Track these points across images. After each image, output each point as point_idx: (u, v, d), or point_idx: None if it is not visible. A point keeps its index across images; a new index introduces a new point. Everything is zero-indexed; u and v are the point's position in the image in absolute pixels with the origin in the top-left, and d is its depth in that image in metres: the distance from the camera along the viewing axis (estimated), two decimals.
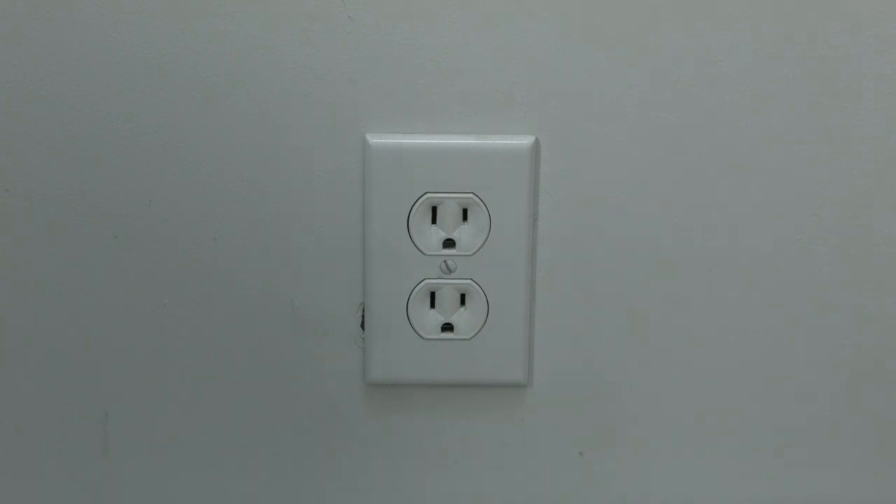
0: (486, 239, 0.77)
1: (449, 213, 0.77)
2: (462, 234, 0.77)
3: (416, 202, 0.76)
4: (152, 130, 0.76)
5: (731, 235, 0.78)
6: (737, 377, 0.81)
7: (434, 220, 0.77)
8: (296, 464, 0.82)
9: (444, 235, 0.77)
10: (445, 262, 0.78)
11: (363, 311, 0.79)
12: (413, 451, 0.82)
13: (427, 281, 0.78)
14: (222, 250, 0.78)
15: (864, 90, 0.75)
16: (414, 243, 0.77)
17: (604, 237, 0.78)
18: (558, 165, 0.77)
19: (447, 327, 0.79)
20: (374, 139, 0.76)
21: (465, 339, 0.79)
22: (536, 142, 0.76)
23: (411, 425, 0.82)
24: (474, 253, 0.77)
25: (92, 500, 0.83)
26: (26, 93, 0.75)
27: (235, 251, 0.78)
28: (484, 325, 0.78)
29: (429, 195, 0.76)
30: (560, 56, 0.75)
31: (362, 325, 0.79)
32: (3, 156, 0.76)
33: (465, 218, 0.77)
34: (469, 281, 0.78)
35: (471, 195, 0.77)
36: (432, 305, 0.78)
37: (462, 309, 0.79)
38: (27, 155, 0.76)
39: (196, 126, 0.76)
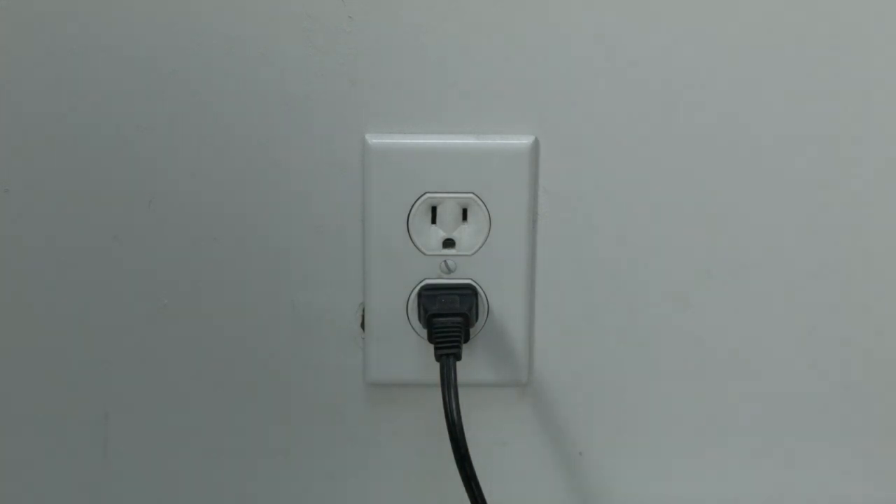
0: (486, 239, 0.77)
1: (449, 212, 0.77)
2: (462, 234, 0.77)
3: (415, 202, 0.76)
4: (152, 130, 0.76)
5: (731, 235, 0.78)
6: (737, 377, 0.81)
7: (434, 220, 0.77)
8: (296, 463, 0.82)
9: (443, 235, 0.77)
10: (445, 262, 0.78)
11: (363, 311, 0.79)
12: (413, 451, 0.82)
13: (427, 281, 0.78)
14: (222, 250, 0.78)
15: (864, 90, 0.75)
16: (414, 243, 0.77)
17: (604, 237, 0.78)
18: (558, 165, 0.77)
19: None
20: (374, 139, 0.76)
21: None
22: (536, 142, 0.76)
23: (411, 425, 0.82)
24: (474, 253, 0.77)
25: (92, 500, 0.83)
26: (26, 93, 0.75)
27: (235, 251, 0.78)
28: (484, 324, 0.78)
29: (428, 195, 0.76)
30: (560, 56, 0.75)
31: (362, 325, 0.79)
32: (3, 156, 0.76)
33: (464, 218, 0.77)
34: (469, 281, 0.78)
35: (471, 195, 0.77)
36: None
37: None
38: (27, 155, 0.76)
39: (196, 126, 0.76)
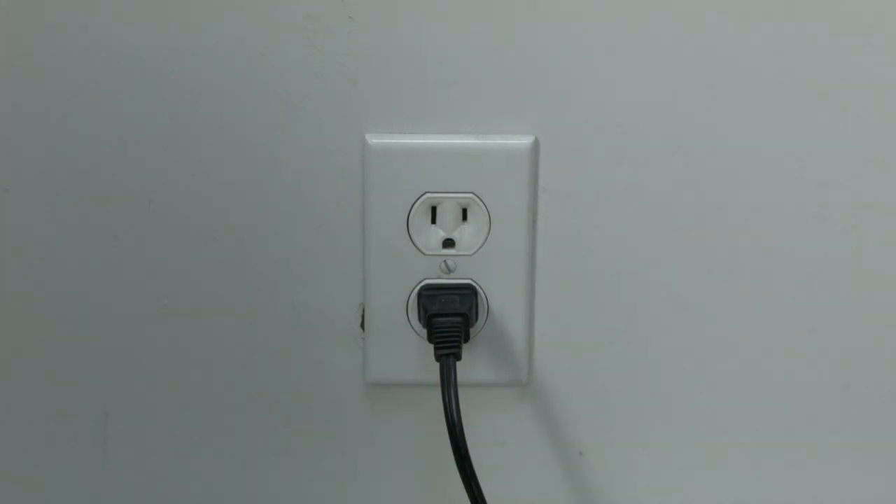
0: (486, 239, 0.77)
1: (449, 212, 0.77)
2: (462, 234, 0.77)
3: (415, 202, 0.77)
4: (152, 130, 0.76)
5: (731, 235, 0.78)
6: (737, 377, 0.81)
7: (434, 220, 0.77)
8: (296, 464, 0.82)
9: (443, 235, 0.77)
10: (445, 262, 0.78)
11: (363, 311, 0.79)
12: (413, 451, 0.82)
13: (427, 281, 0.78)
14: (222, 250, 0.78)
15: (864, 89, 0.75)
16: (414, 243, 0.77)
17: (604, 237, 0.78)
18: (558, 165, 0.77)
19: None
20: (374, 139, 0.76)
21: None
22: (536, 142, 0.76)
23: (411, 425, 0.82)
24: (474, 253, 0.77)
25: (92, 500, 0.83)
26: (26, 93, 0.75)
27: (235, 251, 0.78)
28: (484, 324, 0.78)
29: (428, 195, 0.76)
30: (560, 56, 0.75)
31: (362, 325, 0.79)
32: (3, 156, 0.76)
33: (465, 218, 0.77)
34: (469, 281, 0.78)
35: (471, 195, 0.77)
36: None
37: None
38: (27, 155, 0.76)
39: (196, 126, 0.76)
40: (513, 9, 0.74)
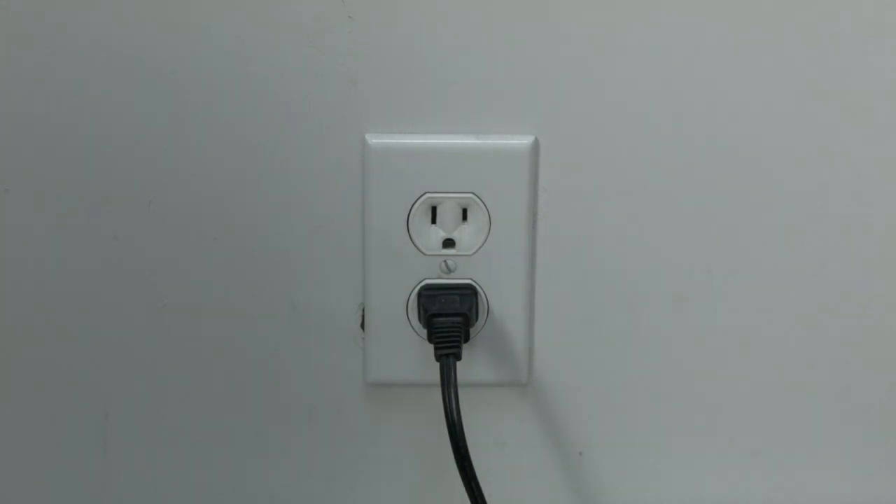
0: (486, 239, 0.77)
1: (449, 212, 0.77)
2: (462, 234, 0.77)
3: (415, 202, 0.77)
4: (152, 130, 0.76)
5: (731, 235, 0.78)
6: (736, 377, 0.81)
7: (434, 220, 0.77)
8: (296, 464, 0.82)
9: (443, 235, 0.77)
10: (445, 262, 0.78)
11: (363, 311, 0.79)
12: (413, 451, 0.82)
13: (427, 281, 0.78)
14: (222, 250, 0.78)
15: (864, 90, 0.75)
16: (414, 243, 0.77)
17: (604, 237, 0.78)
18: (558, 165, 0.77)
19: None
20: (374, 139, 0.76)
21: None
22: (536, 142, 0.76)
23: (411, 425, 0.82)
24: (474, 253, 0.77)
25: (92, 500, 0.83)
26: (26, 93, 0.75)
27: (235, 251, 0.78)
28: (484, 324, 0.78)
29: (428, 195, 0.76)
30: (560, 56, 0.75)
31: (362, 325, 0.79)
32: (3, 156, 0.76)
33: (464, 218, 0.77)
34: (469, 281, 0.78)
35: (471, 195, 0.77)
36: None
37: None
38: (27, 155, 0.76)
39: (196, 126, 0.76)
40: (512, 9, 0.74)
